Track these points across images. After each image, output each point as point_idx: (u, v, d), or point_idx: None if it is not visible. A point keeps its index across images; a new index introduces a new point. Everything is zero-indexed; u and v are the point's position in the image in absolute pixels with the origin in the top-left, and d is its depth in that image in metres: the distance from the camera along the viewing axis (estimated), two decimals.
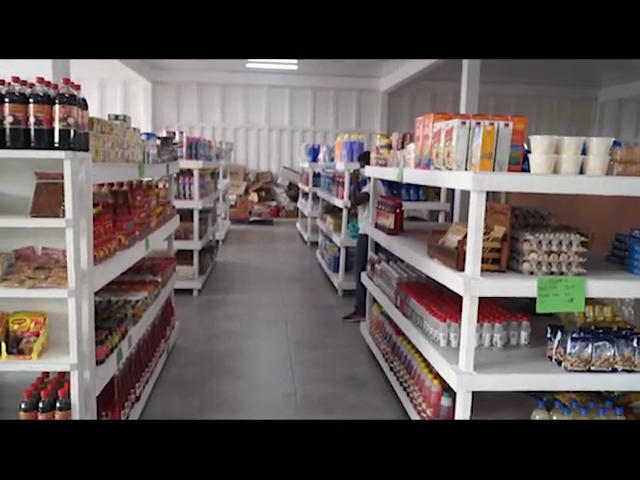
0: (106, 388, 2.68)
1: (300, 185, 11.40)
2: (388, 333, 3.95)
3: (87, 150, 2.32)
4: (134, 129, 3.37)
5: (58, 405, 2.27)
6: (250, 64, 13.47)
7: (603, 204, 4.44)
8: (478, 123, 2.63)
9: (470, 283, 2.44)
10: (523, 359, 2.72)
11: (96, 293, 2.96)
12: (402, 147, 3.82)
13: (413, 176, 3.31)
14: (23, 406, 2.28)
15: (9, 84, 2.20)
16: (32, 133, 2.13)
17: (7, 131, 2.12)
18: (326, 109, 14.89)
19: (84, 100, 2.27)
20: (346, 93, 14.79)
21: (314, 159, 9.58)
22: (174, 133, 6.23)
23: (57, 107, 2.12)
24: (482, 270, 2.50)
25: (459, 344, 2.60)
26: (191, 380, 3.92)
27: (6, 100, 2.11)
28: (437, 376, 2.91)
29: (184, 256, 6.30)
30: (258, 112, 14.87)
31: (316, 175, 9.50)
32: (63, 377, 2.44)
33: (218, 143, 10.18)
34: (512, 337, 2.89)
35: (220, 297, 6.22)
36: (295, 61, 13.20)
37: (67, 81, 2.18)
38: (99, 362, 2.55)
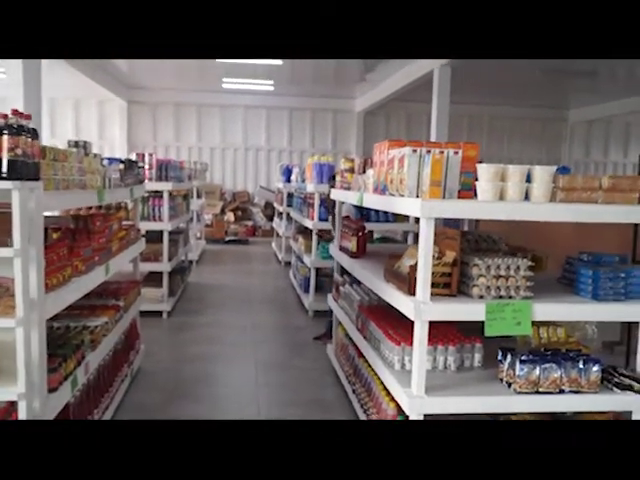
0: (60, 415, 2.65)
1: (275, 205, 11.45)
2: (351, 355, 3.97)
3: (37, 179, 2.33)
4: (94, 155, 3.38)
5: None
6: (226, 84, 13.56)
7: (568, 227, 4.53)
8: (429, 151, 2.69)
9: (420, 307, 2.49)
10: (475, 381, 2.76)
11: (54, 319, 2.96)
12: (363, 171, 3.89)
13: (371, 201, 3.37)
14: None
15: None
16: None
17: None
18: (302, 129, 15.04)
19: (34, 130, 2.28)
20: (322, 113, 14.97)
21: (288, 179, 9.65)
22: (143, 155, 6.25)
23: (5, 137, 2.13)
24: (433, 294, 2.56)
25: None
26: (153, 405, 3.88)
27: None
28: (393, 399, 2.93)
29: (154, 278, 6.28)
30: (234, 132, 14.96)
31: (290, 195, 9.55)
32: (12, 406, 2.41)
33: (192, 163, 10.20)
34: (466, 359, 2.94)
35: (190, 319, 6.19)
36: (271, 81, 13.34)
37: (15, 112, 2.20)
38: (51, 390, 2.53)
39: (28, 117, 2.28)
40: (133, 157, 6.06)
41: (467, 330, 3.11)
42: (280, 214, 10.52)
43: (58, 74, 10.51)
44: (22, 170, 2.19)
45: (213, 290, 7.79)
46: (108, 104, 14.44)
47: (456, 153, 2.71)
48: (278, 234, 10.82)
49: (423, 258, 2.49)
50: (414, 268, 2.63)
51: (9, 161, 2.15)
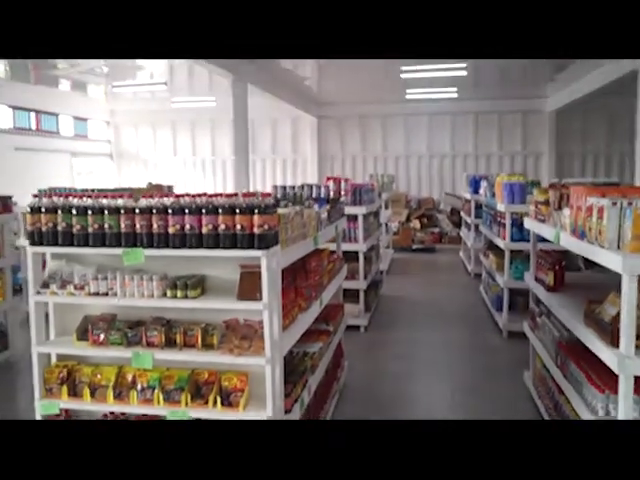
0: None
1: (462, 214, 11.44)
2: (551, 389, 3.99)
3: (277, 244, 2.89)
4: (308, 205, 3.94)
5: None
6: (409, 95, 13.90)
7: None
8: (630, 203, 2.68)
9: (624, 362, 2.52)
10: None
11: None
12: (559, 207, 3.89)
13: (568, 243, 3.38)
14: None
15: (219, 196, 2.86)
16: (238, 237, 2.75)
17: (220, 235, 2.76)
18: (489, 133, 14.73)
19: (275, 205, 2.85)
20: (510, 115, 14.50)
21: (475, 190, 9.61)
22: (340, 181, 6.82)
23: (256, 217, 2.71)
24: (639, 347, 2.56)
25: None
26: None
27: (220, 212, 2.76)
28: None
29: (351, 293, 6.83)
30: (418, 140, 15.23)
31: (478, 206, 9.51)
32: None
33: (380, 177, 10.71)
34: None
35: (384, 335, 6.62)
36: (455, 88, 13.34)
37: (264, 195, 2.77)
38: (286, 412, 3.10)
39: (269, 195, 2.84)
40: (330, 184, 6.70)
41: None
42: (468, 224, 10.51)
43: (257, 99, 11.87)
44: (267, 240, 2.76)
45: (403, 303, 8.17)
46: (300, 121, 15.82)
47: None
48: (466, 244, 10.82)
49: (626, 314, 2.51)
50: (617, 319, 2.65)
51: (258, 235, 2.73)
